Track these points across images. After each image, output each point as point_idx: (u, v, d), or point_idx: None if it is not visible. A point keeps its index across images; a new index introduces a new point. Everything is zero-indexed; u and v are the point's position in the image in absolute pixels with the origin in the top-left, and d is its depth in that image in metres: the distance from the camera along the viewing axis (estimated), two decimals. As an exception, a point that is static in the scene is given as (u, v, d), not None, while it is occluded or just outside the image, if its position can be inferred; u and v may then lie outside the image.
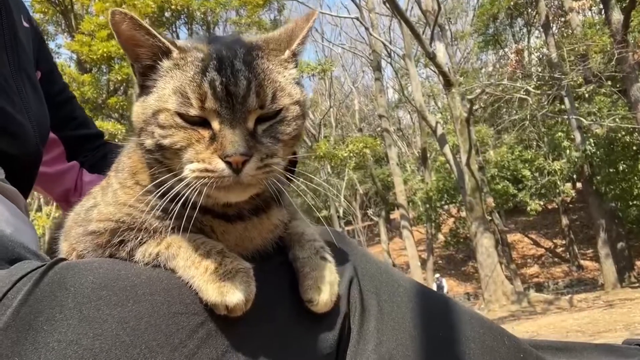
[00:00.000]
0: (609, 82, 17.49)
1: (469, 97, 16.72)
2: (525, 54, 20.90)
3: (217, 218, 0.83)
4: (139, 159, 0.86)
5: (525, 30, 28.52)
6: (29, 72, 1.24)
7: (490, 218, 20.69)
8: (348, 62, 40.85)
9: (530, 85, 17.04)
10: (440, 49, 16.81)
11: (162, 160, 0.77)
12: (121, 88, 19.61)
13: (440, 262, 30.13)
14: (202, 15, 21.25)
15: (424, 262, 25.84)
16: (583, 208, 25.74)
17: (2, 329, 0.68)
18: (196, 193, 0.73)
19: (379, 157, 32.82)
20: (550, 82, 17.48)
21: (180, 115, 0.73)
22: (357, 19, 21.91)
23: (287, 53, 0.81)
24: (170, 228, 0.81)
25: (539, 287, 23.88)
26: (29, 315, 0.69)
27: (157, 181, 0.78)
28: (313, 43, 32.26)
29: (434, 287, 23.58)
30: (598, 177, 18.44)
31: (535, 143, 24.59)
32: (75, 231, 0.88)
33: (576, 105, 19.17)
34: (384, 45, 24.37)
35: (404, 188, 23.73)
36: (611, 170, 17.63)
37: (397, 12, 15.76)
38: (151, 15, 18.58)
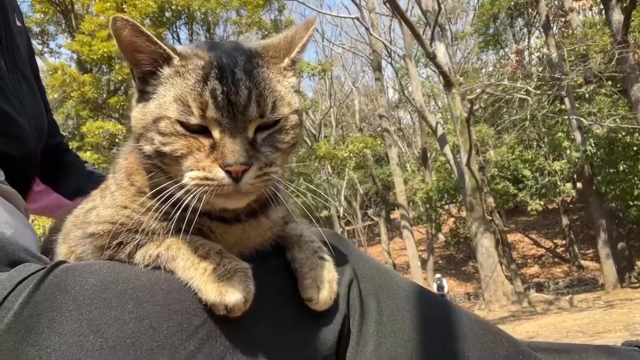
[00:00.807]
0: (610, 82, 17.48)
1: (469, 97, 16.70)
2: (526, 54, 20.89)
3: (214, 220, 0.83)
4: (135, 160, 0.86)
5: (525, 30, 28.53)
6: (24, 71, 1.24)
7: (490, 218, 20.68)
8: (348, 62, 40.85)
9: (530, 86, 17.04)
10: (440, 49, 16.80)
11: (161, 166, 0.77)
12: (122, 88, 19.61)
13: (440, 262, 30.12)
14: (202, 16, 21.25)
15: (424, 262, 25.85)
16: (583, 208, 25.73)
17: (4, 331, 0.68)
18: (196, 200, 0.73)
19: (379, 157, 32.84)
20: (551, 82, 17.48)
21: (181, 123, 0.74)
22: (358, 19, 21.91)
23: (287, 61, 0.82)
24: (168, 230, 0.81)
25: (540, 287, 23.87)
26: (31, 318, 0.70)
27: (156, 188, 0.78)
28: (313, 43, 32.26)
29: (435, 287, 23.60)
30: (598, 177, 18.42)
31: (535, 143, 24.58)
32: (74, 234, 0.88)
33: (576, 105, 19.16)
34: (384, 45, 24.37)
35: (404, 188, 23.73)
36: (611, 170, 17.60)
37: (397, 12, 15.76)
38: (152, 15, 18.58)
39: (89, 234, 0.85)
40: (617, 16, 14.39)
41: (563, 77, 16.47)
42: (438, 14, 15.90)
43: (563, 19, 21.34)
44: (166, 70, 0.78)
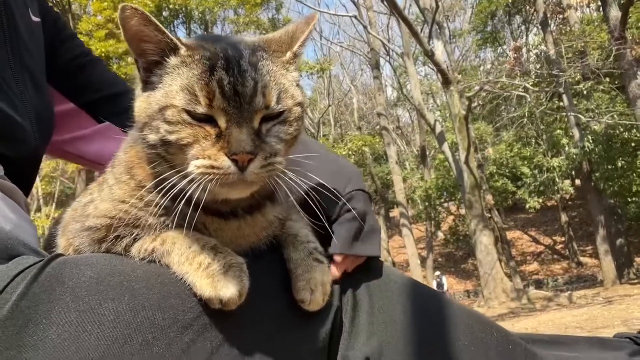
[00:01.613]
0: (607, 79, 17.48)
1: (468, 94, 16.70)
2: (524, 51, 20.90)
3: (211, 215, 0.84)
4: (135, 153, 0.86)
5: (523, 27, 28.53)
6: (32, 71, 1.22)
7: (489, 215, 20.71)
8: (347, 60, 40.82)
9: (528, 83, 17.05)
10: (438, 47, 16.80)
11: (165, 155, 0.78)
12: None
13: (440, 259, 30.15)
14: (200, 15, 21.22)
15: (423, 260, 25.86)
16: (582, 205, 25.78)
17: (1, 322, 0.69)
18: (199, 189, 0.74)
19: (378, 155, 32.84)
20: (549, 79, 17.51)
21: (187, 112, 0.75)
22: (355, 17, 21.83)
23: (289, 54, 0.83)
24: (164, 224, 0.82)
25: (539, 284, 23.91)
26: (28, 309, 0.71)
27: (158, 178, 0.79)
28: (312, 41, 32.14)
29: (434, 285, 23.63)
30: (597, 174, 18.45)
31: (534, 140, 24.59)
32: (73, 227, 0.89)
33: (574, 102, 19.17)
34: (383, 43, 24.33)
35: (403, 186, 23.74)
36: (610, 166, 17.63)
37: (395, 10, 15.75)
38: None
39: (87, 227, 0.86)
40: (615, 12, 14.40)
41: (561, 74, 16.48)
42: (436, 12, 15.90)
43: (561, 16, 21.37)
44: (173, 60, 0.78)
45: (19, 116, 1.11)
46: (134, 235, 0.83)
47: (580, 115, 17.57)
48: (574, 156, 18.28)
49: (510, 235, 27.84)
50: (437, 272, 23.94)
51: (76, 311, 0.71)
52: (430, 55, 15.44)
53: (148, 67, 0.80)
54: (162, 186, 0.77)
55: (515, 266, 23.91)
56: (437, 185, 24.75)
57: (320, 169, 0.89)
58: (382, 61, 29.18)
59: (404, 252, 22.65)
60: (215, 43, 0.80)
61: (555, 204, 26.68)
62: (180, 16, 21.03)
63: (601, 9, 16.83)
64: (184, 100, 0.74)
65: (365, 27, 22.56)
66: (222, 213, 0.85)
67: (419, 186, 26.21)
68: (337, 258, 0.92)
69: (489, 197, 22.40)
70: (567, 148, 19.13)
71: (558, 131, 20.02)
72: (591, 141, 17.21)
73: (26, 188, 1.18)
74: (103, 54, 16.89)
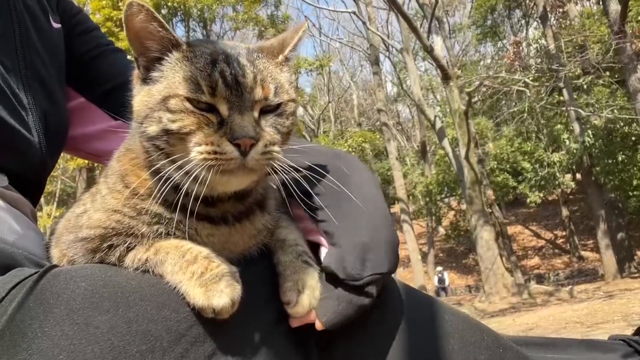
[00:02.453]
0: (607, 73, 17.44)
1: (468, 89, 16.67)
2: (524, 45, 20.83)
3: (202, 221, 0.85)
4: (129, 161, 0.88)
5: (523, 21, 28.43)
6: (45, 83, 1.20)
7: (490, 210, 20.68)
8: (346, 56, 40.79)
9: (528, 77, 17.01)
10: (437, 42, 16.77)
11: (164, 147, 0.79)
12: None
13: (441, 255, 30.19)
14: (198, 12, 21.18)
15: (424, 256, 25.92)
16: (583, 199, 25.75)
17: None
18: (198, 181, 0.76)
19: (378, 151, 32.82)
20: (549, 74, 17.45)
21: (190, 101, 0.78)
22: (355, 13, 21.77)
23: (281, 57, 0.88)
24: (157, 233, 0.83)
25: (540, 279, 23.94)
26: (23, 322, 0.71)
27: (155, 178, 0.81)
28: (311, 38, 32.22)
29: (436, 281, 23.69)
30: (597, 168, 18.44)
31: (534, 135, 24.57)
32: (66, 237, 0.90)
33: (575, 96, 19.13)
34: (382, 39, 24.28)
35: (403, 182, 23.74)
36: (610, 161, 17.62)
37: (394, 5, 15.69)
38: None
39: (81, 238, 0.86)
40: (615, 6, 14.34)
41: (561, 68, 16.43)
42: (435, 7, 15.85)
43: (561, 10, 21.27)
44: (175, 55, 0.82)
45: (24, 128, 1.10)
46: (127, 243, 0.83)
47: (580, 110, 17.54)
48: (575, 151, 18.26)
49: (511, 230, 27.85)
50: (439, 268, 23.99)
51: (70, 324, 0.72)
52: (429, 50, 15.39)
53: (148, 66, 0.83)
54: (158, 177, 0.79)
55: (517, 261, 23.93)
56: (438, 181, 24.75)
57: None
58: (381, 57, 29.15)
59: (405, 247, 22.66)
60: (213, 44, 0.85)
61: (556, 198, 26.68)
62: (178, 14, 20.99)
63: (601, 3, 16.77)
64: (187, 90, 0.78)
65: (364, 23, 22.52)
66: (213, 218, 0.86)
67: (419, 182, 26.22)
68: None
69: (490, 192, 22.39)
70: (567, 143, 19.09)
71: (558, 126, 19.99)
72: (591, 135, 17.19)
73: (33, 197, 1.16)
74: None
